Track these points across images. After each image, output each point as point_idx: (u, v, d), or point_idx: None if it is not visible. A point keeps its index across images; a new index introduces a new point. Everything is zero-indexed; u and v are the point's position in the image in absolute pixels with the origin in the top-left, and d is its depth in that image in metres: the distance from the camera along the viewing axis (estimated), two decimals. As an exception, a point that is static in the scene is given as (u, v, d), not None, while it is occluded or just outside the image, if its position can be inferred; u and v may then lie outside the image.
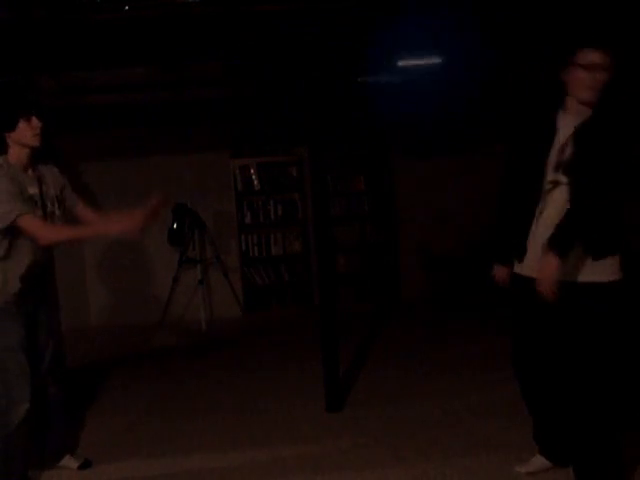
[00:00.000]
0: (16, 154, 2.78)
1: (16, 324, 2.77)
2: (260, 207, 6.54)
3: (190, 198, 6.16)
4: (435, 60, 4.63)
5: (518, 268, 2.67)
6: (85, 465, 3.18)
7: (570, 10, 3.60)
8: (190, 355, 5.31)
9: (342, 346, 3.92)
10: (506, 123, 2.78)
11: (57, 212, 2.90)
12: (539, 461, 2.85)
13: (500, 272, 2.84)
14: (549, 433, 2.81)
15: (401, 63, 4.68)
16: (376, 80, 5.50)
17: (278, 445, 3.33)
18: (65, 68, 4.08)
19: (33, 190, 2.80)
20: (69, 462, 3.17)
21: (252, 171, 6.47)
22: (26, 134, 2.75)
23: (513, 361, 2.77)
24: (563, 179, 2.46)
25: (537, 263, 2.49)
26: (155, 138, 6.24)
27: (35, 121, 2.76)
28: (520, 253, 2.63)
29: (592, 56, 2.37)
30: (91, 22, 3.29)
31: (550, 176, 2.50)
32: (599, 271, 2.44)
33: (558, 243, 2.38)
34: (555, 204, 2.48)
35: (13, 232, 2.72)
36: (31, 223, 2.68)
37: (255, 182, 6.49)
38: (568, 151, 2.46)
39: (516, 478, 2.82)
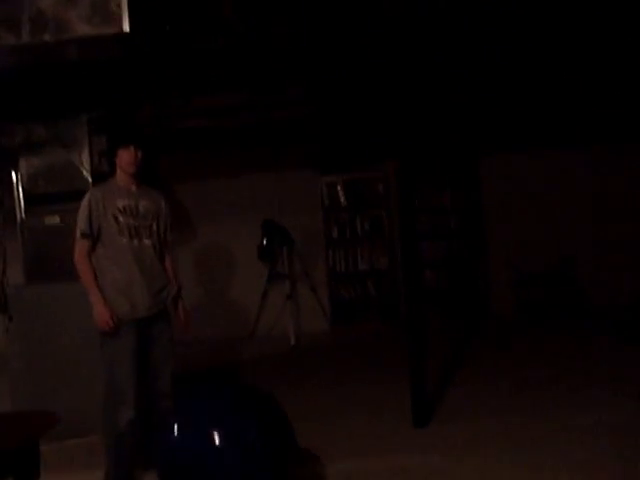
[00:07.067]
0: (119, 176, 3.14)
1: (129, 334, 2.99)
2: (347, 223, 6.62)
3: (279, 214, 6.36)
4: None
5: None
6: None
7: None
8: (279, 367, 5.45)
9: (429, 361, 3.92)
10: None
11: (154, 226, 3.14)
12: None
13: None
14: None
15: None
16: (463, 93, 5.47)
17: (365, 459, 3.36)
18: (165, 96, 4.36)
19: (125, 202, 3.06)
20: None
21: (339, 188, 6.58)
22: (123, 161, 3.08)
23: None
24: None
25: None
26: (246, 158, 6.46)
27: (132, 150, 3.06)
28: None
29: None
30: (188, 52, 3.51)
31: None
32: None
33: None
34: None
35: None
36: (78, 244, 3.01)
37: (342, 198, 6.59)
38: None
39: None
